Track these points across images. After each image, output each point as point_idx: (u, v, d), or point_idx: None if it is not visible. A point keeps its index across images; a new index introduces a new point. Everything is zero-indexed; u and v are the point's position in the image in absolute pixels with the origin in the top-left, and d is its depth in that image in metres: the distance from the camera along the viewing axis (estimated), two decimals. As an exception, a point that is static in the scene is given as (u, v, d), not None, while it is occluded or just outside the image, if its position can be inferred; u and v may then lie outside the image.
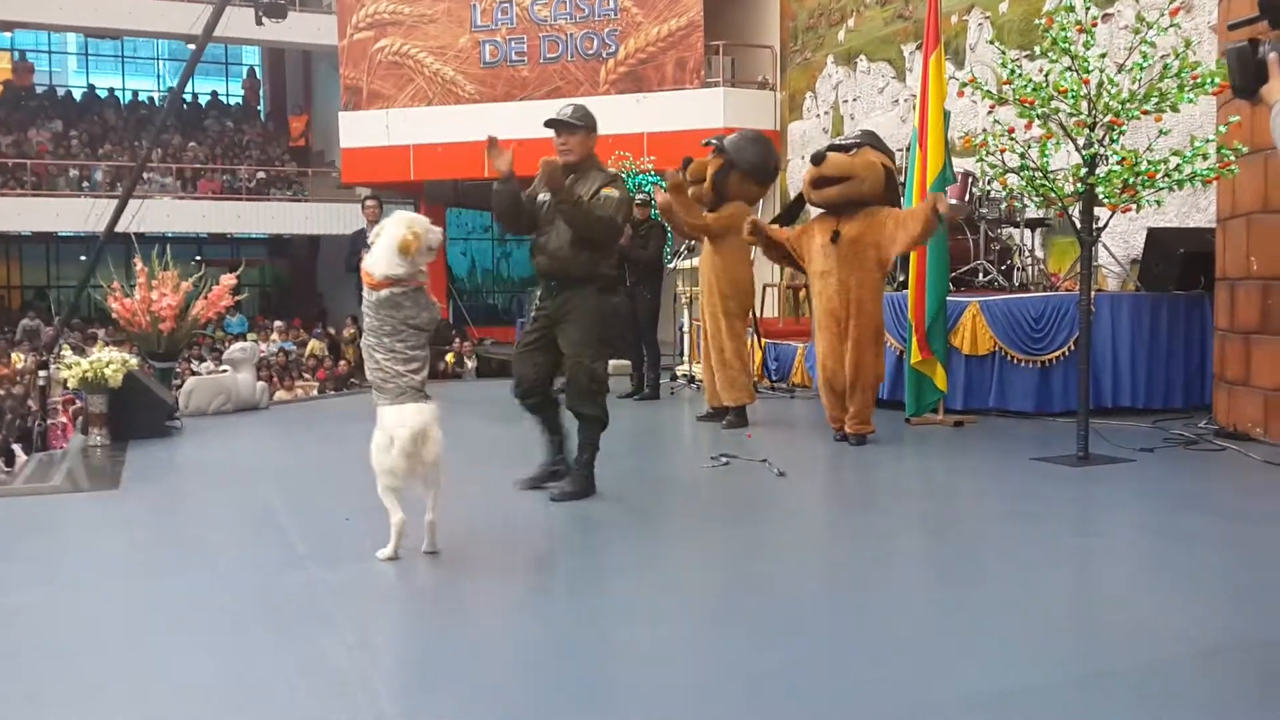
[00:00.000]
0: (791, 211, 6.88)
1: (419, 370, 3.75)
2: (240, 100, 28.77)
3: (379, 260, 3.69)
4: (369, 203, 9.18)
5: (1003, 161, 5.47)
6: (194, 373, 11.40)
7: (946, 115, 6.48)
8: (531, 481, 4.84)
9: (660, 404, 8.02)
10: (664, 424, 7.58)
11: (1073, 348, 6.67)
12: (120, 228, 10.62)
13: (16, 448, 10.63)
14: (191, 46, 24.54)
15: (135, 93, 27.36)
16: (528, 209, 4.75)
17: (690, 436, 6.64)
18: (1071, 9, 5.19)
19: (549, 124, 4.71)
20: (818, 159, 6.05)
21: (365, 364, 3.84)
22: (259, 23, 13.63)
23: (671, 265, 9.32)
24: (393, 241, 3.67)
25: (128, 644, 3.01)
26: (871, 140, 6.21)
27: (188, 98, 26.98)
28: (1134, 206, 5.25)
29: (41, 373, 10.89)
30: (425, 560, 3.71)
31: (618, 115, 13.59)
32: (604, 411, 4.71)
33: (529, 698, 2.55)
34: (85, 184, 21.88)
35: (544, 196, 4.72)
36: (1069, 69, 5.13)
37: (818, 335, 6.22)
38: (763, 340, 9.11)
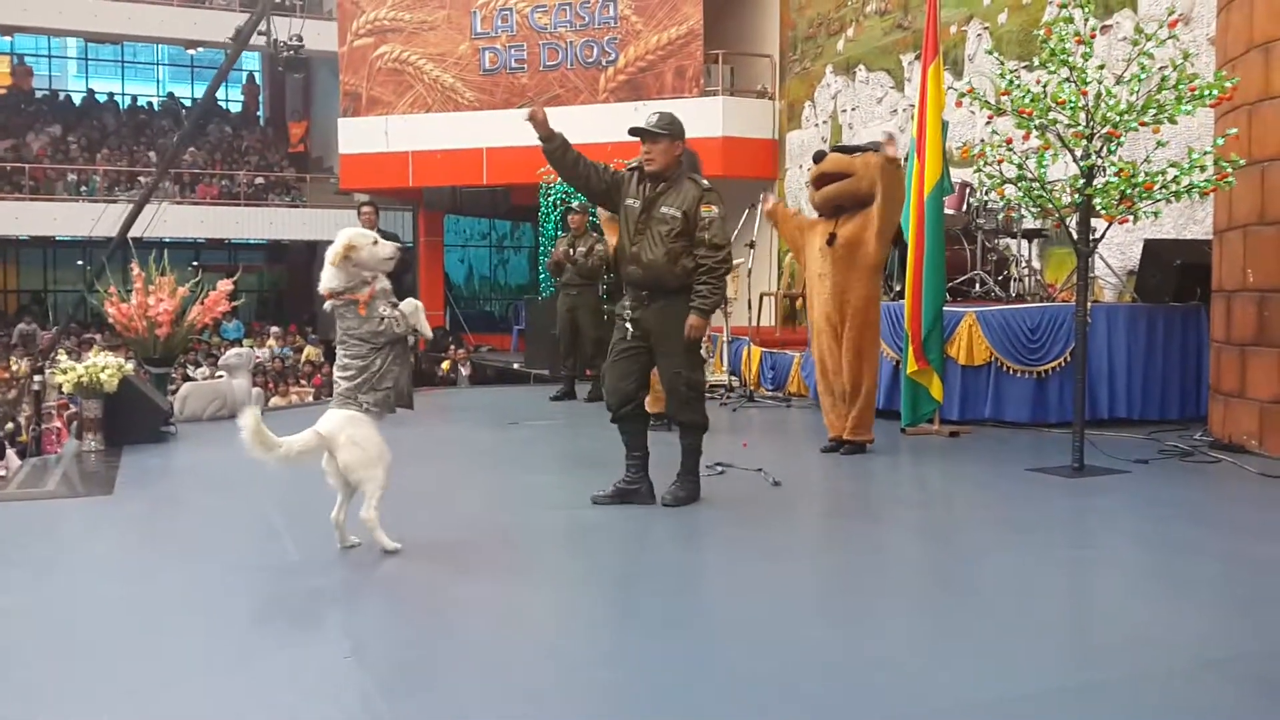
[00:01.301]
0: None
1: (352, 378, 3.91)
2: (240, 106, 28.80)
3: (323, 275, 3.89)
4: (365, 209, 9.14)
5: (1000, 172, 5.48)
6: (189, 378, 11.37)
7: (945, 125, 6.48)
8: (607, 498, 4.73)
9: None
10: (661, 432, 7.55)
11: (1069, 359, 6.67)
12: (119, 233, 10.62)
13: (11, 452, 10.61)
14: (191, 52, 24.74)
15: (134, 97, 27.36)
16: (600, 177, 4.70)
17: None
18: (1070, 20, 5.19)
19: (633, 132, 4.61)
20: (818, 157, 6.18)
21: None
22: (280, 68, 13.71)
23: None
24: (328, 255, 3.84)
25: (121, 648, 3.00)
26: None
27: (186, 102, 27.01)
28: (1131, 218, 5.26)
29: (37, 377, 10.89)
30: (419, 566, 3.71)
31: (616, 123, 13.51)
32: (704, 416, 4.78)
33: (522, 702, 2.54)
34: (83, 188, 21.87)
35: (631, 202, 4.64)
36: (1067, 80, 5.14)
37: (815, 339, 6.23)
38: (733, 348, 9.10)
